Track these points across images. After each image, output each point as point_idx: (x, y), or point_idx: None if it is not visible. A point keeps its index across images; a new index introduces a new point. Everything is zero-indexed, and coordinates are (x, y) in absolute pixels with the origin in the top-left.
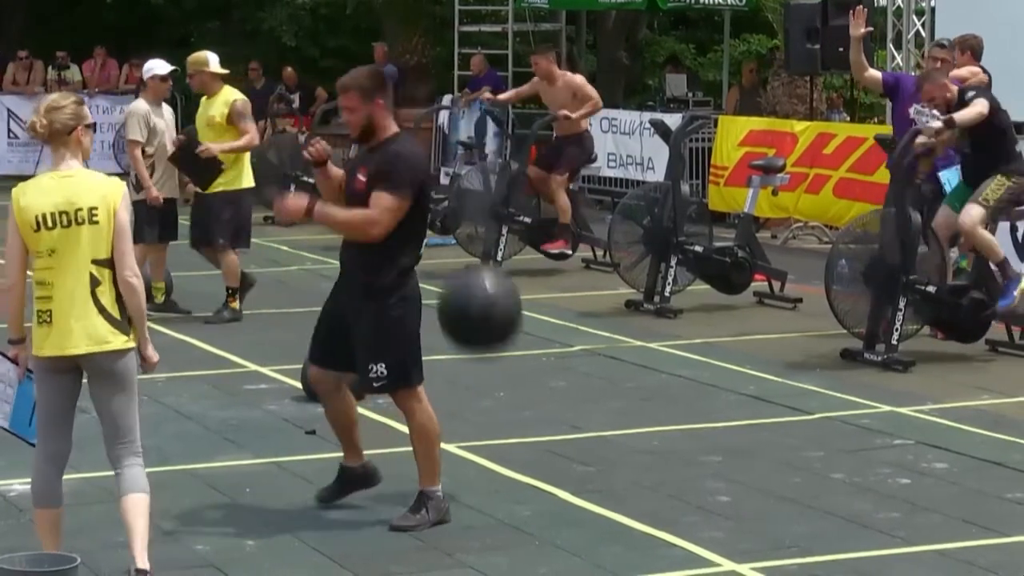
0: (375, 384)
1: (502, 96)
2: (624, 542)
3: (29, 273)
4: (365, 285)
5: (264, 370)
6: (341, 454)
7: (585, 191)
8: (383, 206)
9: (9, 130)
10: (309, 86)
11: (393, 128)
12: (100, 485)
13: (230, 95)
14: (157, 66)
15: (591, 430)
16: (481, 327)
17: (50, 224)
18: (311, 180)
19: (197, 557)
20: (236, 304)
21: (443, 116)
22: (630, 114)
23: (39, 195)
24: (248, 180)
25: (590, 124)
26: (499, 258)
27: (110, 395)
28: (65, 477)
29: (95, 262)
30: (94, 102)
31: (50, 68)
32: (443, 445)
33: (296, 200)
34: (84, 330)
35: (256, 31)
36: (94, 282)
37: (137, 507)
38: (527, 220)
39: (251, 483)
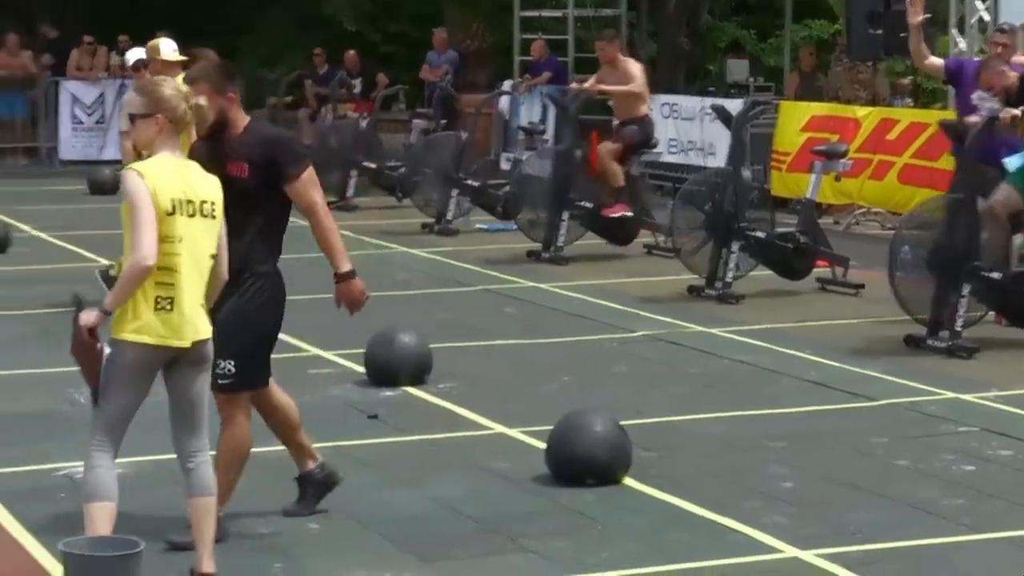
0: (222, 382)
1: (587, 84)
2: (686, 527)
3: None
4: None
5: (327, 355)
6: (403, 438)
7: (646, 177)
8: (312, 183)
9: (73, 115)
10: (370, 71)
11: (245, 118)
12: (168, 468)
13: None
14: (133, 55)
15: (653, 415)
16: None
17: (181, 211)
18: (372, 165)
19: (261, 540)
20: None
21: (504, 102)
22: (691, 100)
23: (167, 179)
24: None
25: (651, 109)
26: (560, 243)
27: (200, 383)
28: (131, 459)
29: (211, 256)
30: None
31: (113, 53)
32: (507, 429)
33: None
34: (197, 321)
35: (317, 17)
36: (204, 275)
37: (208, 510)
38: (588, 205)
39: None
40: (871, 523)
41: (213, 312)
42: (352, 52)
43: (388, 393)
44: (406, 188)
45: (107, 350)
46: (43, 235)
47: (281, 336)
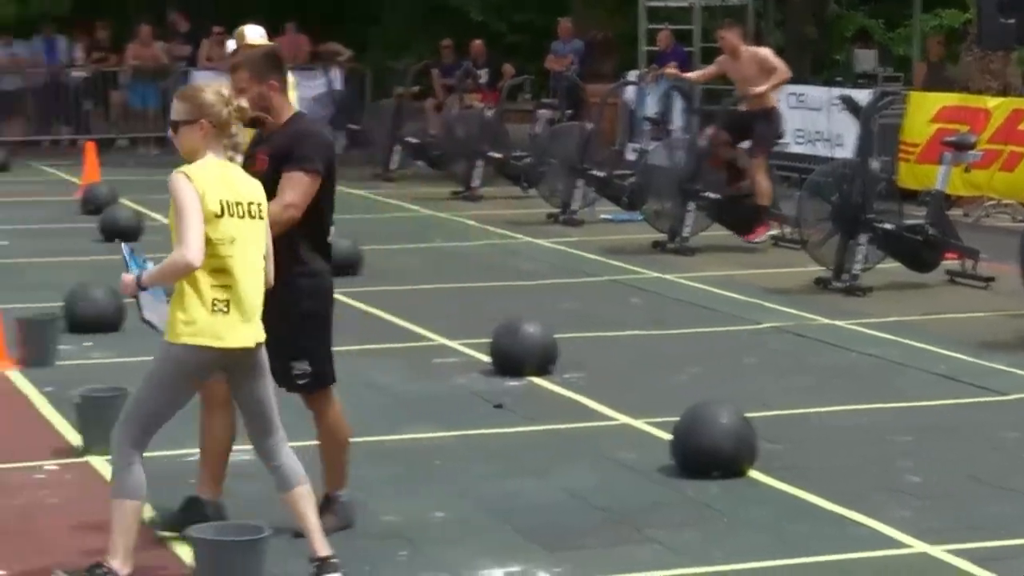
0: (300, 382)
1: (688, 74)
2: (811, 521)
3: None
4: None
5: (453, 344)
6: (529, 428)
7: (773, 168)
8: (293, 184)
9: None
10: (496, 61)
11: (290, 110)
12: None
13: None
14: (232, 46)
15: (779, 407)
16: None
17: (230, 212)
18: (497, 155)
19: (386, 528)
20: None
21: (629, 92)
22: (818, 90)
23: (213, 181)
24: None
25: (778, 99)
26: (685, 234)
27: (264, 385)
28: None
29: (263, 257)
30: None
31: None
32: (632, 420)
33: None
34: (255, 323)
35: (444, 7)
36: (259, 277)
37: (307, 499)
38: (714, 196)
39: (440, 455)
40: (1000, 518)
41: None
42: (478, 42)
43: (513, 383)
44: (531, 178)
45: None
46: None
47: (407, 325)
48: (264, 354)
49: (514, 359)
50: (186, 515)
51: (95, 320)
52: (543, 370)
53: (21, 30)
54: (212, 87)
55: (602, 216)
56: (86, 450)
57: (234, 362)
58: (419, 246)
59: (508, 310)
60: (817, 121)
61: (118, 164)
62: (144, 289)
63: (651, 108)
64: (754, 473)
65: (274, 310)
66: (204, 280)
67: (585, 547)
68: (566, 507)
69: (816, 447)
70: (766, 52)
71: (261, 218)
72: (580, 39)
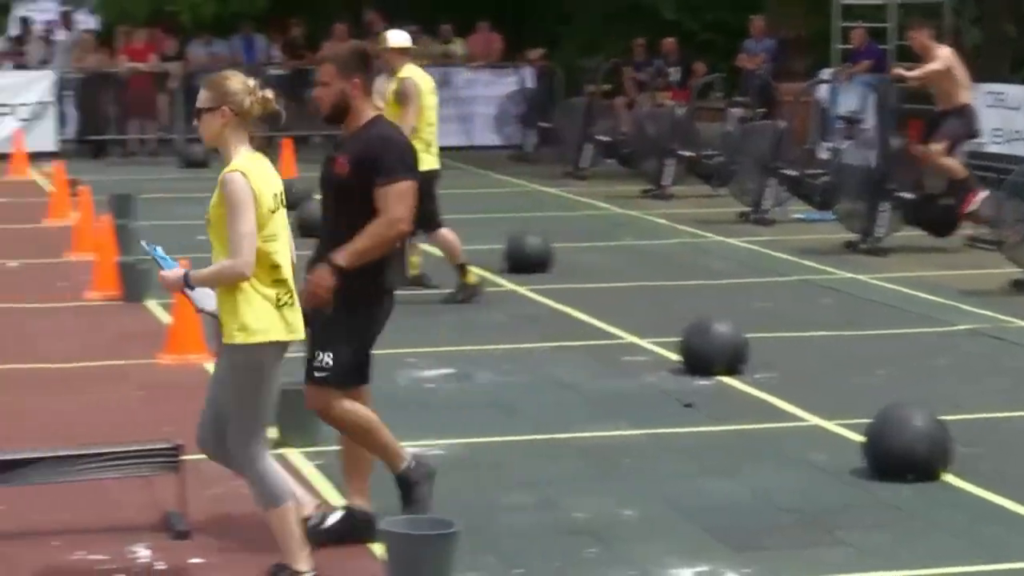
0: (318, 375)
1: (910, 73)
2: (1008, 526)
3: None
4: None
5: (642, 342)
6: (719, 428)
7: (969, 167)
8: (397, 196)
9: None
10: (688, 59)
11: (371, 112)
12: (485, 450)
13: (402, 73)
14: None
15: (973, 411)
16: None
17: (276, 206)
18: (688, 153)
19: (575, 525)
20: (471, 278)
21: (822, 90)
22: (1017, 88)
23: (264, 177)
24: (431, 164)
25: (973, 98)
26: (878, 234)
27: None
28: (449, 441)
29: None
30: (477, 75)
31: (436, 42)
32: (823, 421)
33: (321, 278)
34: (299, 315)
35: (636, 5)
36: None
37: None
38: (909, 196)
39: (628, 453)
40: None
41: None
42: (670, 40)
43: (703, 382)
44: (722, 177)
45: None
46: None
47: (597, 323)
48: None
49: (704, 358)
50: (343, 527)
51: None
52: (733, 370)
53: (220, 29)
54: (239, 76)
55: (794, 215)
56: (282, 443)
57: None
58: (609, 244)
59: (698, 309)
60: (1016, 120)
61: (313, 160)
62: (191, 286)
63: (844, 107)
64: (948, 477)
65: (336, 301)
66: (265, 278)
67: (774, 548)
68: (755, 507)
69: (1013, 451)
70: (942, 51)
71: (285, 207)
72: (773, 37)
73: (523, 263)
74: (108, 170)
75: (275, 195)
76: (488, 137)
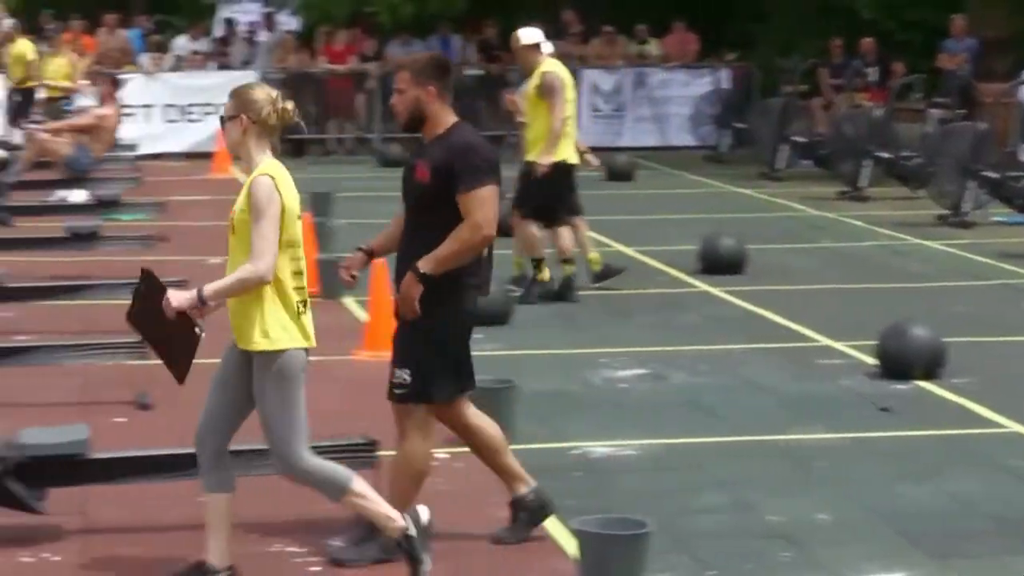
0: (396, 391)
1: None
2: None
3: None
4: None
5: (838, 345)
6: (916, 432)
7: None
8: (480, 202)
9: (592, 103)
10: (886, 59)
11: (451, 119)
12: (679, 451)
13: (543, 68)
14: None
15: None
16: None
17: (299, 213)
18: (886, 154)
19: (770, 528)
20: (542, 275)
21: None
22: None
23: (290, 184)
24: (562, 154)
25: None
26: None
27: None
28: (642, 442)
29: None
30: (672, 76)
31: (631, 42)
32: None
33: (409, 287)
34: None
35: (834, 5)
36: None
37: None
38: None
39: (825, 456)
40: None
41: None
42: (868, 40)
43: (900, 386)
44: (921, 179)
45: (203, 335)
46: None
47: (791, 325)
48: None
49: (902, 362)
50: (517, 519)
51: (485, 313)
52: (931, 374)
53: (418, 29)
54: (263, 87)
55: (994, 218)
56: None
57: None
58: (804, 246)
59: (895, 312)
60: None
61: (507, 161)
62: (205, 303)
63: None
64: None
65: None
66: (288, 284)
67: (973, 555)
68: (954, 514)
69: None
70: None
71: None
72: (974, 37)
73: (717, 264)
74: (307, 168)
75: (300, 201)
76: (683, 137)
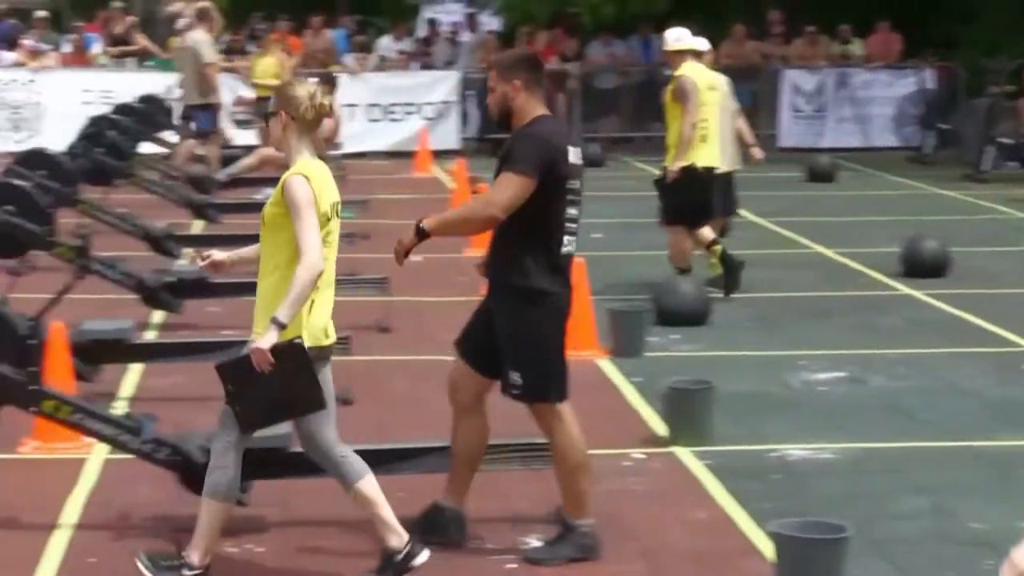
0: (512, 392)
1: None
2: None
3: None
4: (495, 282)
5: None
6: None
7: None
8: (500, 183)
9: (793, 104)
10: None
11: (536, 112)
12: (879, 455)
13: (679, 71)
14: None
15: None
16: None
17: (331, 214)
18: None
19: (971, 535)
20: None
21: None
22: None
23: (324, 182)
24: (693, 158)
25: None
26: None
27: (330, 382)
28: (841, 445)
29: None
30: (876, 76)
31: (834, 42)
32: None
33: (406, 235)
34: (329, 321)
35: None
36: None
37: (367, 492)
38: None
39: None
40: None
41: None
42: None
43: None
44: None
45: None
46: (762, 221)
47: (996, 330)
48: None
49: None
50: (426, 522)
51: (683, 313)
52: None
53: (620, 29)
54: (304, 84)
55: None
56: (672, 441)
57: (324, 358)
58: (1010, 249)
59: None
60: None
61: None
62: (284, 326)
63: None
64: None
65: (500, 317)
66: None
67: None
68: None
69: None
70: None
71: (339, 217)
72: None
73: (920, 267)
74: None
75: (332, 204)
76: (886, 138)
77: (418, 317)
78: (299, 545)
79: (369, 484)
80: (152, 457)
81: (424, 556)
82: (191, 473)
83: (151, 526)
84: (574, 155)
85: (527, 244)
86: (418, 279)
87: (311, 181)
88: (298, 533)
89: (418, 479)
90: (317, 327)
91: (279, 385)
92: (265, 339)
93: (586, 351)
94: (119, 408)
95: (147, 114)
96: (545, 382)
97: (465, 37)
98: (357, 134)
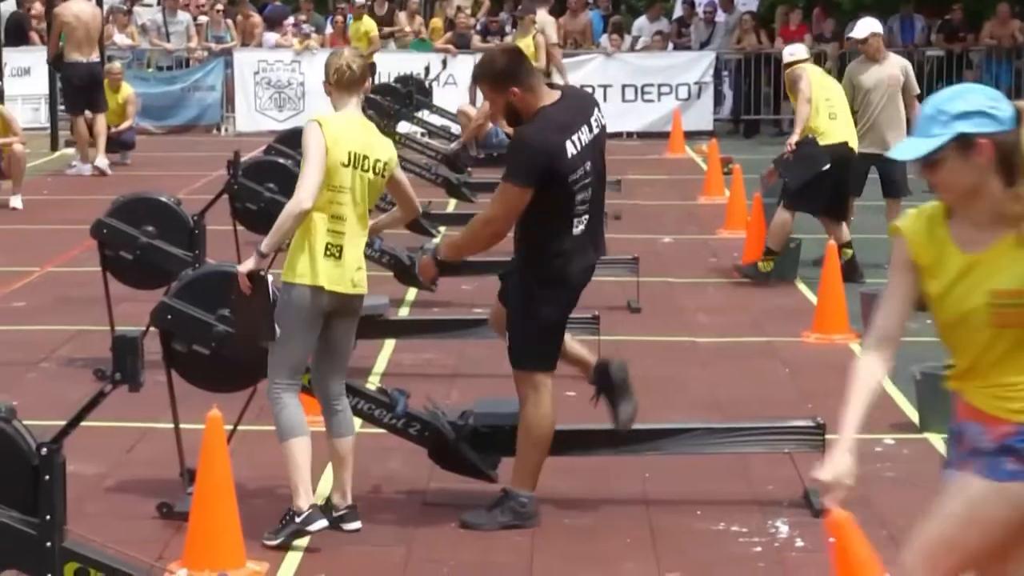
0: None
1: None
2: None
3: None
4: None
5: None
6: None
7: None
8: (497, 196)
9: None
10: None
11: (538, 105)
12: None
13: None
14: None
15: None
16: None
17: (355, 165)
18: None
19: None
20: (765, 265)
21: None
22: None
23: (344, 132)
24: (831, 136)
25: None
26: None
27: (349, 333)
28: None
29: (370, 211)
30: None
31: None
32: None
33: (424, 260)
34: (355, 272)
35: None
36: (371, 230)
37: (348, 451)
38: None
39: None
40: None
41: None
42: None
43: None
44: None
45: (270, 280)
46: None
47: None
48: (358, 307)
49: None
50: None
51: None
52: None
53: (880, 10)
54: (340, 54)
55: None
56: (924, 427)
57: (340, 305)
58: None
59: None
60: None
61: None
62: (265, 256)
63: None
64: None
65: (512, 286)
66: (321, 225)
67: None
68: None
69: None
70: None
71: (381, 176)
72: None
73: None
74: (759, 149)
75: (349, 152)
76: None
77: (668, 297)
78: (545, 521)
79: (300, 445)
80: (404, 432)
81: (321, 524)
82: (441, 448)
83: (402, 499)
84: (580, 139)
85: (537, 233)
86: (668, 259)
87: (324, 128)
88: (545, 510)
89: (667, 460)
90: (338, 274)
91: (245, 309)
92: (244, 264)
93: (838, 334)
94: (373, 383)
95: (405, 94)
96: (526, 350)
97: (721, 17)
98: (611, 115)
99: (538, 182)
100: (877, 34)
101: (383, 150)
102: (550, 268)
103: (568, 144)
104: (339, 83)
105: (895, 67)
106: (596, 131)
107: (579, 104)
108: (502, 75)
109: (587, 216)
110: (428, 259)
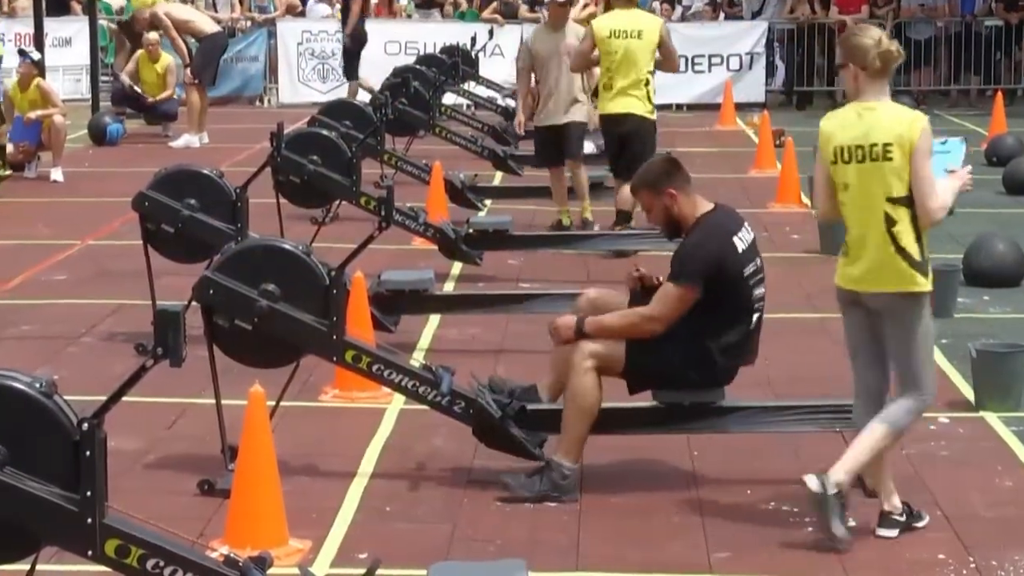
0: None
1: None
2: None
3: None
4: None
5: None
6: None
7: None
8: (662, 297)
9: None
10: None
11: (696, 212)
12: None
13: None
14: None
15: None
16: None
17: (844, 159)
18: None
19: None
20: None
21: None
22: None
23: (838, 128)
24: None
25: None
26: None
27: (893, 337)
28: None
29: (889, 200)
30: None
31: None
32: None
33: (565, 319)
34: (875, 269)
35: None
36: (889, 221)
37: (870, 434)
38: None
39: None
40: None
41: None
42: None
43: None
44: None
45: None
46: None
47: None
48: (913, 309)
49: None
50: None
51: (994, 273)
52: None
53: None
54: (870, 31)
55: None
56: (980, 405)
57: (863, 304)
58: None
59: None
60: None
61: (1021, 115)
62: None
63: None
64: None
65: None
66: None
67: None
68: None
69: None
70: None
71: (887, 159)
72: None
73: None
74: (811, 121)
75: (846, 147)
76: None
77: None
78: (593, 499)
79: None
80: (448, 410)
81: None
82: (486, 427)
83: (446, 477)
84: (744, 237)
85: (711, 326)
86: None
87: (821, 129)
88: (593, 485)
89: (715, 438)
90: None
91: None
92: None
93: None
94: (417, 359)
95: (451, 65)
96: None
97: None
98: (661, 86)
99: (709, 282)
100: None
101: (883, 131)
102: (715, 362)
103: (736, 240)
104: (870, 68)
105: None
106: (752, 235)
107: (731, 211)
108: (660, 176)
109: (758, 314)
110: (571, 324)
